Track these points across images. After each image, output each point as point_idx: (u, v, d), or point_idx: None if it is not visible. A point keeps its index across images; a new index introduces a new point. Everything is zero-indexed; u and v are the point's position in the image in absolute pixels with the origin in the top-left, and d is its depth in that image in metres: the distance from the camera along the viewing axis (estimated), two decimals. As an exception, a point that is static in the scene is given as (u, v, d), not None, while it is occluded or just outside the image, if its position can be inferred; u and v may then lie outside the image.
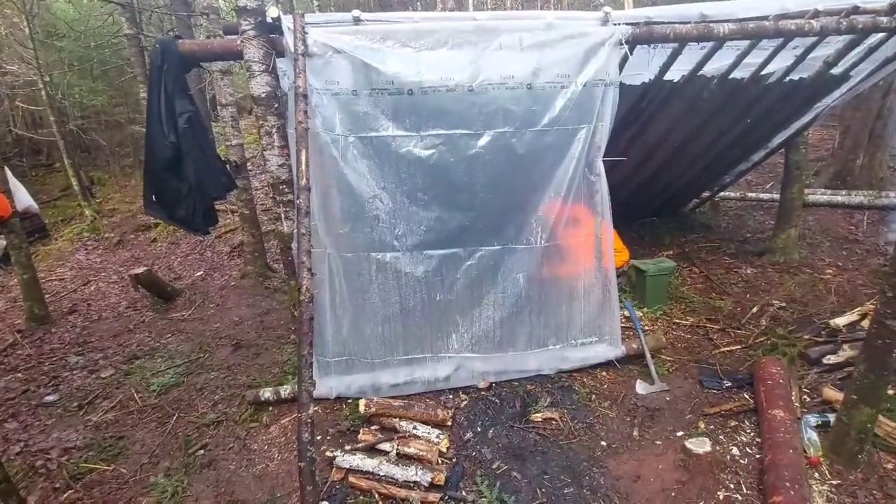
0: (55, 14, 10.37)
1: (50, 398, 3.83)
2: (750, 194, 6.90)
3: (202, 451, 3.03)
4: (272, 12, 2.73)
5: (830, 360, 3.24)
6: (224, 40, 3.03)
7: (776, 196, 5.86)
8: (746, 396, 3.02)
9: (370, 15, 2.84)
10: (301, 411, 2.38)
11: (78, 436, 3.36)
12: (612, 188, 3.17)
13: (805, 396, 3.00)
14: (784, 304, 4.11)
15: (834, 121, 7.49)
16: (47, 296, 5.71)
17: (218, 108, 5.50)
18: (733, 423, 2.81)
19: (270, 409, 3.30)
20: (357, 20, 2.80)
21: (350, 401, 3.18)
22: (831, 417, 2.67)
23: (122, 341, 4.74)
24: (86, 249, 7.83)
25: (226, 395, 3.58)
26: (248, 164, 6.82)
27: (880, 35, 3.55)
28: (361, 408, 2.91)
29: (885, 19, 3.29)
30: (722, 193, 6.53)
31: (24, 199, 5.18)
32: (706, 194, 6.40)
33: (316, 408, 3.03)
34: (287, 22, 2.74)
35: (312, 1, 6.14)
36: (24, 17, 8.23)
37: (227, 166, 5.07)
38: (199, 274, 6.43)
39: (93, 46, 8.97)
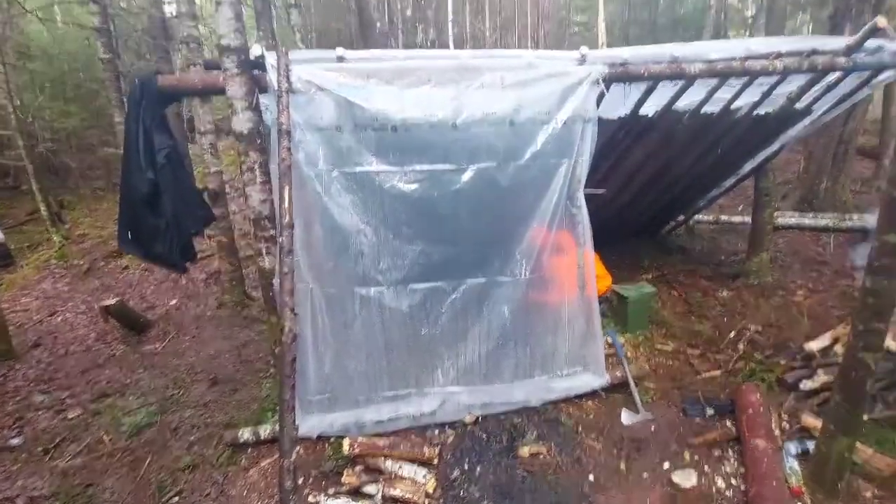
0: (28, 35, 10.15)
1: (14, 441, 3.62)
2: (723, 217, 7.14)
3: (177, 499, 2.89)
4: (255, 50, 2.73)
5: (807, 385, 3.32)
6: (206, 76, 3.00)
7: (747, 219, 6.07)
8: (729, 424, 3.06)
9: (354, 53, 2.87)
10: (283, 458, 2.30)
11: (44, 483, 3.17)
12: (593, 213, 3.24)
13: (785, 423, 3.06)
14: (760, 329, 4.22)
15: (799, 145, 7.86)
16: (11, 327, 5.44)
17: (197, 135, 5.43)
18: (717, 453, 2.84)
19: (249, 450, 3.18)
20: (341, 59, 2.82)
21: (333, 440, 3.09)
22: (811, 445, 2.73)
23: (91, 378, 4.53)
24: (53, 277, 7.51)
25: (202, 436, 3.44)
26: (227, 186, 6.72)
27: (838, 73, 3.77)
28: (345, 448, 2.84)
29: (842, 60, 3.51)
30: (696, 217, 6.73)
31: (-12, 227, 4.96)
32: (682, 218, 6.59)
33: (298, 448, 2.94)
34: (271, 59, 2.74)
35: (295, 33, 6.18)
36: (-7, 40, 8.02)
37: (206, 194, 5.02)
38: (173, 303, 6.24)
39: (67, 70, 8.79)
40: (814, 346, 3.65)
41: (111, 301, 5.18)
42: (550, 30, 16.76)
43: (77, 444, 3.54)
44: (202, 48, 5.35)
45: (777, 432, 2.88)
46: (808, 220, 6.68)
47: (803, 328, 4.15)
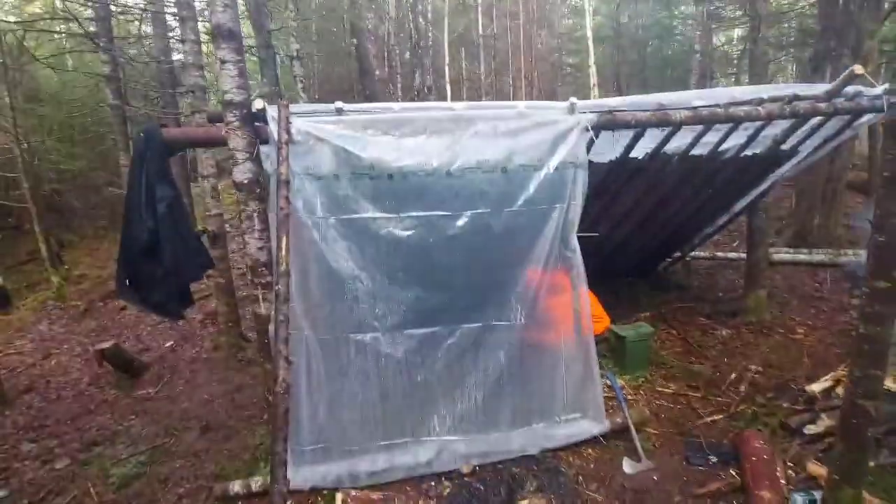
0: (38, 81, 10.52)
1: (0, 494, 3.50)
2: (719, 254, 7.19)
3: (163, 558, 2.77)
4: (257, 104, 2.84)
5: (811, 429, 3.25)
6: (208, 128, 3.11)
7: (743, 255, 6.12)
8: (733, 473, 2.98)
9: (352, 106, 2.99)
10: (273, 515, 2.23)
11: (24, 542, 3.05)
12: (587, 254, 3.26)
13: (790, 471, 2.97)
14: (761, 369, 4.17)
15: (790, 182, 8.01)
16: (3, 371, 5.38)
17: (198, 177, 5.54)
18: (722, 505, 2.76)
19: (240, 503, 3.08)
20: (339, 111, 2.93)
21: (326, 492, 3.00)
22: (817, 495, 2.65)
23: (81, 424, 4.43)
24: (49, 319, 7.48)
25: (192, 488, 3.33)
26: (227, 225, 6.80)
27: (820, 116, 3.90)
28: (338, 502, 2.75)
29: (822, 105, 3.64)
30: (692, 253, 6.78)
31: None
32: (677, 255, 6.63)
33: (289, 502, 2.85)
34: (272, 112, 2.84)
35: (297, 83, 6.45)
36: (4, 86, 8.31)
37: (205, 236, 5.07)
38: (168, 344, 6.18)
39: (75, 114, 9.06)
40: (815, 388, 3.60)
41: (106, 344, 5.14)
42: (543, 72, 17.40)
43: (63, 496, 3.42)
44: (207, 95, 5.55)
45: (783, 481, 2.79)
46: (802, 255, 6.73)
47: (804, 368, 4.11)
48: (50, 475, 3.70)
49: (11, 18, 9.95)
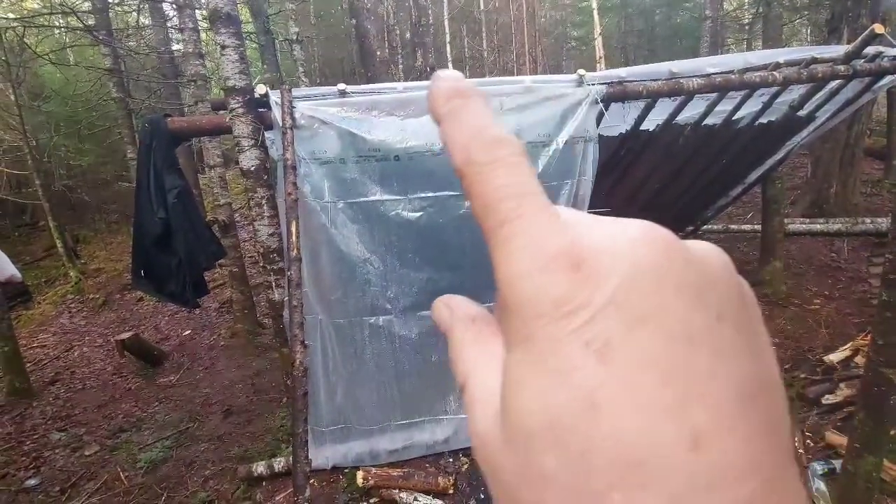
0: (42, 77, 10.54)
1: (31, 482, 3.64)
2: (732, 226, 7.07)
3: (193, 537, 2.87)
4: (260, 90, 2.80)
5: (829, 399, 3.23)
6: (212, 117, 3.09)
7: (757, 227, 6.01)
8: (750, 444, 2.98)
9: (356, 88, 2.94)
10: (297, 494, 2.29)
11: (59, 525, 3.18)
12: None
13: (808, 441, 2.97)
14: (777, 340, 4.13)
15: (806, 150, 7.81)
16: (29, 364, 5.53)
17: (205, 167, 5.56)
18: None
19: (264, 483, 3.17)
20: (343, 93, 2.89)
21: (347, 471, 3.07)
22: (836, 464, 2.65)
23: (108, 412, 4.57)
24: (69, 312, 7.65)
25: (217, 470, 3.44)
26: (237, 215, 6.84)
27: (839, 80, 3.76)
28: (359, 480, 2.81)
29: (842, 67, 3.50)
30: (705, 227, 6.67)
31: (6, 268, 5.10)
32: (690, 228, 6.53)
33: (312, 480, 2.92)
34: (275, 97, 2.81)
35: (298, 67, 6.36)
36: (9, 85, 8.34)
37: (216, 226, 5.11)
38: (186, 333, 6.30)
39: (81, 109, 9.09)
40: (834, 358, 3.57)
41: (126, 335, 5.26)
42: (547, 46, 17.00)
43: (94, 482, 3.55)
44: (209, 84, 5.51)
45: (801, 451, 2.79)
46: (819, 225, 6.58)
47: (822, 339, 4.07)
48: (80, 462, 3.83)
49: (11, 15, 9.92)
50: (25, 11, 9.57)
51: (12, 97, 8.11)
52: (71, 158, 9.68)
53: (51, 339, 6.80)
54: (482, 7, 15.54)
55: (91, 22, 6.96)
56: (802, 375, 3.53)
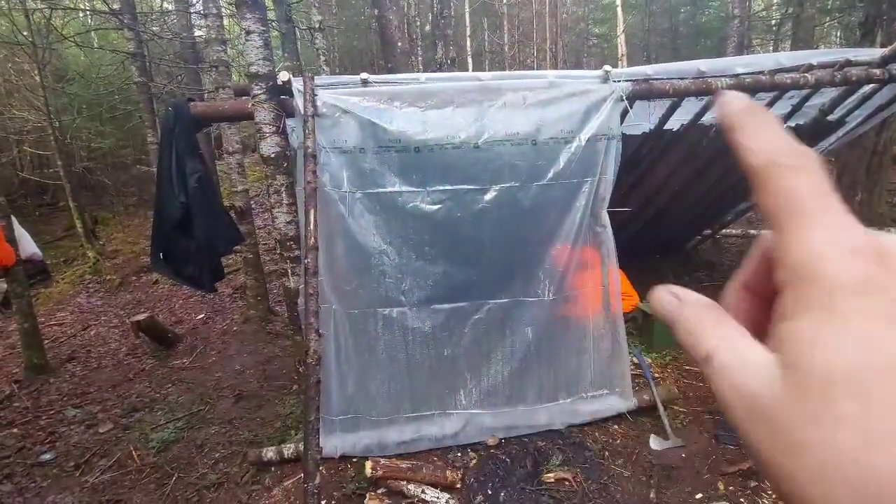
0: (66, 60, 10.70)
1: (46, 457, 3.71)
2: (752, 231, 6.94)
3: (202, 518, 2.91)
4: (283, 76, 2.80)
5: (848, 411, 3.16)
6: (234, 102, 3.11)
7: (778, 233, 5.88)
8: (765, 453, 2.93)
9: (378, 77, 2.92)
10: (307, 481, 2.30)
11: (74, 499, 3.24)
12: (616, 230, 3.18)
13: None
14: (795, 349, 4.05)
15: (831, 156, 7.61)
16: (46, 341, 5.64)
17: (224, 154, 5.59)
18: (753, 484, 2.72)
19: (273, 469, 3.19)
20: (365, 82, 2.88)
21: (355, 460, 3.08)
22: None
23: (122, 392, 4.65)
24: (87, 292, 7.79)
25: (227, 453, 3.48)
26: (253, 202, 6.89)
27: (873, 84, 3.64)
28: (368, 470, 2.82)
29: (877, 71, 3.39)
30: (724, 231, 6.56)
31: (28, 246, 5.20)
32: (708, 232, 6.43)
33: (321, 468, 2.94)
34: (297, 84, 2.81)
35: (319, 56, 6.35)
36: (35, 66, 8.47)
37: (233, 212, 5.14)
38: (200, 317, 6.38)
39: (103, 92, 9.21)
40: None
41: (142, 316, 5.33)
42: (569, 42, 16.78)
43: (107, 459, 3.61)
44: (230, 70, 5.53)
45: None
46: (843, 233, 6.43)
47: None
48: (94, 439, 3.90)
49: (38, -3, 10.05)
50: (52, -7, 9.68)
51: (38, 78, 8.24)
52: (92, 140, 9.83)
53: (68, 317, 6.94)
54: (504, 1, 15.38)
55: (116, 6, 7.03)
56: (821, 386, 3.46)
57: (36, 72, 8.40)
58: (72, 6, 8.07)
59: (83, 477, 3.43)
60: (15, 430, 4.12)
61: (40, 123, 9.01)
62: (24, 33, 7.82)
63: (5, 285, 6.10)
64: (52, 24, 8.25)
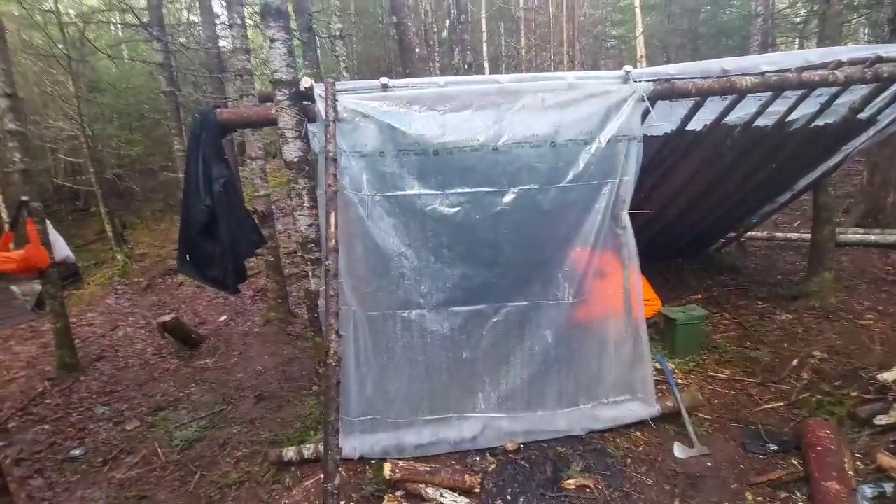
0: (98, 71, 11.13)
1: (76, 452, 3.84)
2: (778, 234, 6.74)
3: (224, 515, 2.96)
4: (305, 82, 2.86)
5: (882, 420, 3.03)
6: (259, 108, 3.18)
7: (806, 236, 5.71)
8: (795, 462, 2.83)
9: (397, 81, 2.96)
10: (327, 481, 2.32)
11: (102, 494, 3.34)
12: (637, 232, 3.13)
13: (858, 462, 2.79)
14: (825, 356, 3.91)
15: (861, 156, 7.36)
16: (77, 341, 5.83)
17: (247, 160, 5.73)
18: (783, 495, 2.63)
19: (293, 468, 3.23)
20: (385, 87, 2.91)
21: (374, 462, 3.09)
22: (888, 487, 2.49)
23: (148, 391, 4.78)
24: (116, 294, 8.05)
25: (248, 452, 3.53)
26: (273, 207, 7.01)
27: (907, 82, 3.51)
28: (386, 472, 2.83)
29: (910, 68, 3.27)
30: (748, 234, 6.39)
31: (62, 249, 5.42)
32: (732, 235, 6.28)
33: (340, 469, 2.96)
34: (319, 90, 2.86)
35: (339, 63, 6.48)
36: (69, 77, 8.84)
37: (255, 216, 5.25)
38: (223, 319, 6.52)
39: (132, 102, 9.54)
40: (888, 376, 3.34)
41: (167, 317, 5.48)
42: (586, 45, 16.67)
43: (133, 455, 3.71)
44: (254, 79, 5.67)
45: (850, 473, 2.63)
46: (874, 236, 6.20)
47: (875, 356, 3.82)
48: (121, 436, 4.02)
49: (72, 12, 10.52)
50: (86, 8, 10.12)
51: (72, 89, 8.60)
52: (122, 148, 10.20)
53: (98, 318, 7.18)
54: (521, 5, 15.38)
55: (146, 19, 7.29)
56: (854, 393, 3.33)
57: (70, 83, 8.76)
58: (104, 20, 8.40)
59: (111, 472, 3.54)
60: (46, 427, 4.27)
61: (73, 132, 9.39)
62: (60, 46, 8.17)
63: (40, 287, 6.35)
64: (86, 36, 8.60)
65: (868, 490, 2.52)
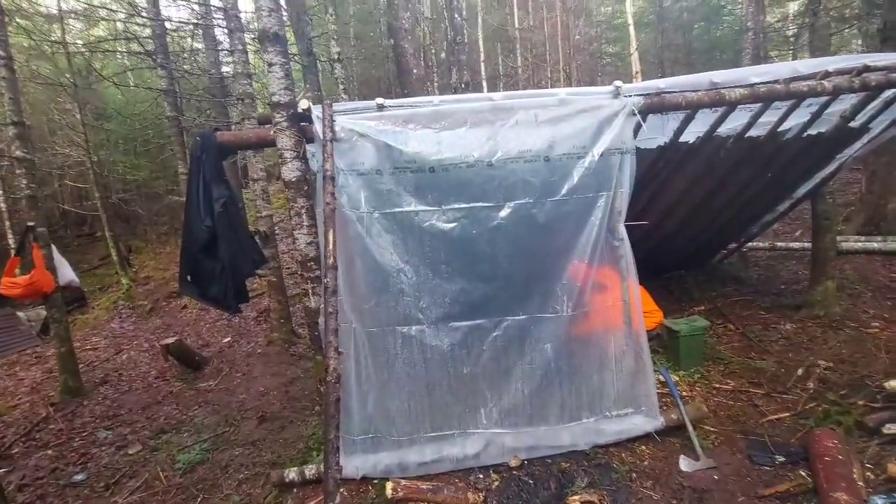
0: (105, 98, 11.41)
1: (78, 477, 3.82)
2: (779, 244, 6.73)
3: (226, 539, 2.92)
4: (303, 104, 2.94)
5: (891, 429, 2.98)
6: (258, 130, 3.26)
7: (807, 245, 5.70)
8: (803, 474, 2.78)
9: (393, 101, 3.03)
10: (328, 500, 2.30)
11: (103, 520, 3.30)
12: (636, 244, 3.15)
13: (868, 472, 2.74)
14: (831, 365, 3.87)
15: (859, 164, 7.38)
16: (81, 365, 5.85)
17: (249, 182, 5.81)
18: (792, 507, 2.58)
19: (295, 490, 3.19)
20: (381, 107, 2.98)
21: (376, 481, 3.06)
22: (902, 499, 2.43)
23: (151, 414, 4.76)
24: (120, 318, 8.08)
25: (250, 475, 3.50)
26: (276, 227, 7.09)
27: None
28: (388, 491, 2.79)
29: (897, 76, 3.32)
30: (750, 244, 6.39)
31: (67, 274, 5.47)
32: (733, 245, 6.27)
33: (342, 489, 2.93)
34: (316, 111, 2.94)
35: (339, 85, 6.65)
36: (76, 104, 9.06)
37: (257, 237, 5.31)
38: (226, 340, 6.52)
39: (138, 128, 9.75)
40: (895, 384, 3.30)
41: (171, 340, 5.49)
42: (582, 63, 16.96)
43: (135, 480, 3.68)
44: (255, 102, 5.81)
45: (860, 484, 2.58)
46: (876, 244, 6.18)
47: (881, 364, 3.77)
48: (123, 460, 4.00)
49: (79, 42, 10.84)
50: (92, 38, 10.42)
51: (78, 116, 8.80)
52: (127, 173, 10.37)
53: (102, 342, 7.20)
54: (517, 25, 15.72)
55: (150, 47, 7.51)
56: (861, 402, 3.28)
57: (77, 110, 8.98)
58: (110, 49, 8.65)
59: (113, 497, 3.51)
60: (49, 452, 4.25)
61: (80, 158, 9.58)
62: (67, 75, 8.40)
63: (45, 312, 6.40)
64: (92, 65, 8.85)
65: (880, 501, 2.47)
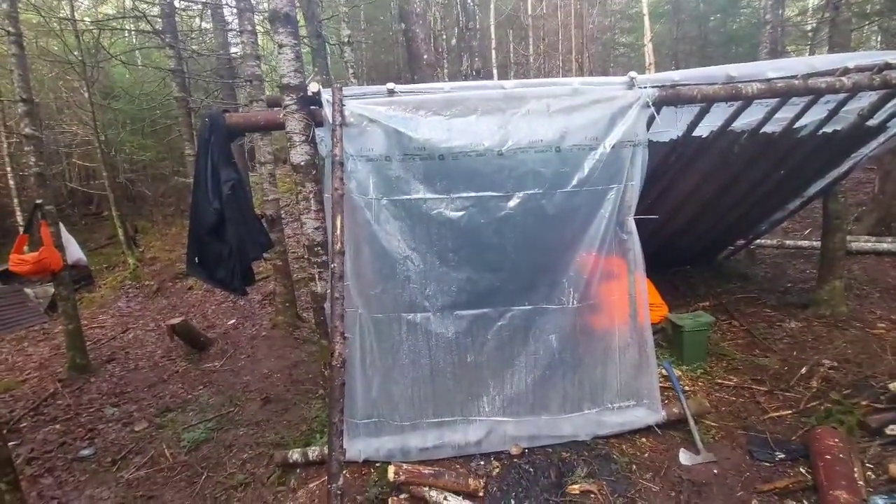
0: (113, 77, 11.37)
1: (85, 452, 3.89)
2: (788, 242, 6.68)
3: (230, 516, 2.98)
4: (313, 87, 2.91)
5: (894, 430, 2.98)
6: (267, 112, 3.24)
7: (816, 243, 5.65)
8: (803, 471, 2.79)
9: (404, 87, 2.99)
10: (331, 482, 2.33)
11: (110, 493, 3.38)
12: (644, 239, 3.13)
13: (869, 472, 2.75)
14: (836, 364, 3.86)
15: (873, 164, 7.28)
16: (88, 343, 5.93)
17: (256, 165, 5.80)
18: (791, 503, 2.59)
19: (298, 471, 3.24)
20: (391, 92, 2.95)
21: (378, 465, 3.10)
22: (902, 499, 2.44)
23: (157, 392, 4.83)
24: (127, 297, 8.16)
25: (254, 454, 3.56)
26: (282, 211, 7.09)
27: (917, 88, 3.48)
28: (390, 475, 2.83)
29: (919, 73, 3.25)
30: (758, 241, 6.34)
31: (74, 252, 5.51)
32: (741, 242, 6.23)
33: (344, 471, 2.97)
34: (326, 95, 2.91)
35: (348, 69, 6.57)
36: (84, 83, 9.03)
37: (263, 220, 5.32)
38: (231, 322, 6.58)
39: (145, 108, 9.73)
40: (901, 385, 3.29)
41: (177, 320, 5.55)
42: (595, 52, 16.70)
43: (141, 456, 3.76)
44: (263, 84, 5.77)
45: (860, 482, 2.59)
46: (887, 244, 6.12)
47: (886, 365, 3.76)
48: (130, 436, 4.07)
49: (87, 19, 10.77)
50: (101, 15, 10.36)
51: (86, 95, 8.78)
52: (134, 153, 10.38)
53: (109, 320, 7.27)
54: (530, 12, 15.48)
55: (159, 26, 7.45)
56: (864, 402, 3.27)
57: (85, 89, 8.95)
58: (119, 27, 8.59)
59: (119, 473, 3.58)
60: (57, 427, 4.33)
61: (88, 137, 9.58)
62: (75, 53, 8.35)
63: (52, 289, 6.46)
64: (101, 43, 8.79)
65: (881, 501, 2.48)
